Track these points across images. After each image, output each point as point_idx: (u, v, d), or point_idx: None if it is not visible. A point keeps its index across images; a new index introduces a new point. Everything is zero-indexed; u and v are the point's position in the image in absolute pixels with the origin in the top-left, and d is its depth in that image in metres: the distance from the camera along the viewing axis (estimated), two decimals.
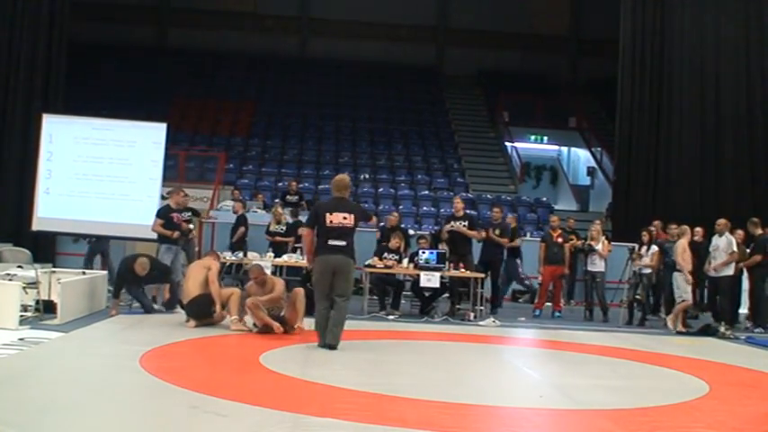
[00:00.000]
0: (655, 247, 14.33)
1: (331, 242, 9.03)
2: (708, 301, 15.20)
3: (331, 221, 9.06)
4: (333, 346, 8.88)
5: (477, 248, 15.38)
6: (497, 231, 15.11)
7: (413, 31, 31.28)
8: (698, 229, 14.53)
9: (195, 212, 14.88)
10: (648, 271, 14.23)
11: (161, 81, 27.65)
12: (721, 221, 13.84)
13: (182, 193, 13.61)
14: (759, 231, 14.14)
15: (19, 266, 11.30)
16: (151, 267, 11.73)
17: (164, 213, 12.92)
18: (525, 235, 18.96)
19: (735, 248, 13.61)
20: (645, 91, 20.09)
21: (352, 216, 9.20)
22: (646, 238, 14.40)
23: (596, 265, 14.67)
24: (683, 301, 13.13)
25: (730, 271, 13.76)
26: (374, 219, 15.29)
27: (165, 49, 30.63)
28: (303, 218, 16.46)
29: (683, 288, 13.09)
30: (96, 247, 14.54)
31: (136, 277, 11.68)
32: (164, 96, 26.34)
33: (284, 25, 31.20)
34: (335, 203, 9.28)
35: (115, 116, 16.54)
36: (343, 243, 9.08)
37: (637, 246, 14.42)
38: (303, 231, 9.86)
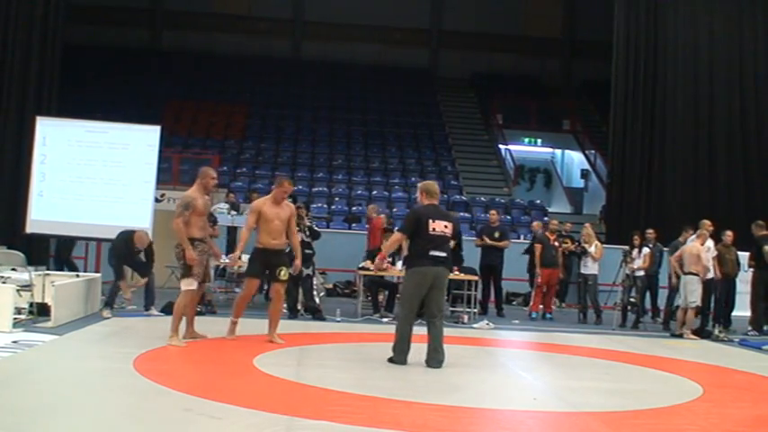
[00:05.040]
0: (646, 250, 14.40)
1: (433, 252, 8.38)
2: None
3: (434, 229, 8.42)
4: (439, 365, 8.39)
5: (476, 253, 15.44)
6: (496, 235, 15.16)
7: (407, 34, 31.28)
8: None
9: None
10: (642, 273, 14.28)
11: (155, 83, 27.64)
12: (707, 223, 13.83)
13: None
14: (763, 233, 14.12)
15: (13, 269, 11.29)
16: (148, 249, 12.07)
17: None
18: (519, 237, 19.01)
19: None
20: (638, 93, 20.15)
21: (451, 225, 8.70)
22: (637, 241, 14.45)
23: (589, 268, 14.69)
24: (695, 305, 13.04)
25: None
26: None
27: (158, 51, 30.59)
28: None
29: (696, 293, 12.94)
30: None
31: (131, 252, 11.88)
32: (157, 99, 26.33)
33: (278, 28, 31.16)
34: (436, 210, 8.66)
35: (109, 119, 16.56)
36: (445, 254, 8.50)
37: (629, 248, 14.49)
38: (398, 235, 9.10)
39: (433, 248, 8.38)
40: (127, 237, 11.91)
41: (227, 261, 12.93)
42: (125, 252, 11.87)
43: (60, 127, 15.01)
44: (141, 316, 11.72)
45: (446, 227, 8.52)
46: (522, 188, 27.35)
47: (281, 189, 9.78)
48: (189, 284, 9.20)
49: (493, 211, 16.31)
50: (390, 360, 8.41)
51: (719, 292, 14.16)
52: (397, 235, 9.10)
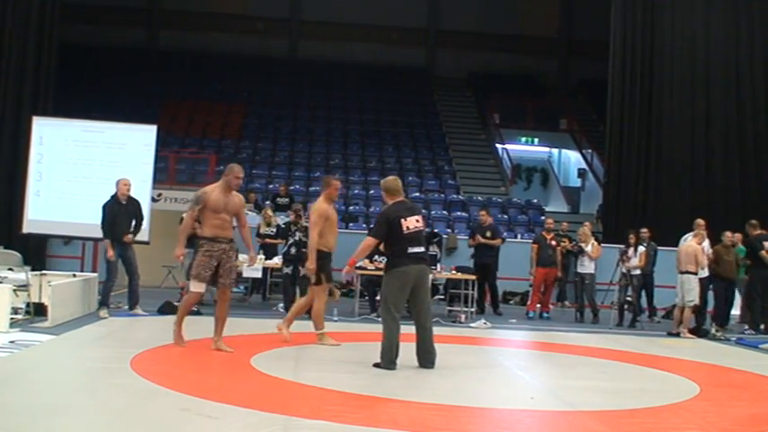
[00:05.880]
0: (642, 248, 14.43)
1: (411, 250, 8.16)
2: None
3: (407, 228, 8.19)
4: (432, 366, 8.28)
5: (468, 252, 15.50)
6: (488, 234, 15.21)
7: (404, 34, 31.27)
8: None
9: None
10: (638, 272, 14.30)
11: (151, 83, 27.59)
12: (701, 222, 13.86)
13: None
14: (758, 232, 14.14)
15: (9, 269, 11.27)
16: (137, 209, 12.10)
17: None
18: (516, 237, 19.03)
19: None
20: (635, 92, 20.19)
21: (422, 218, 8.53)
22: (633, 239, 14.46)
23: (585, 267, 14.71)
24: (693, 304, 13.05)
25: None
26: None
27: (155, 51, 30.57)
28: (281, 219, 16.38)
29: (694, 291, 12.96)
30: None
31: (121, 207, 11.88)
32: (154, 98, 26.32)
33: (275, 27, 31.15)
34: (404, 207, 8.43)
35: (105, 118, 16.54)
36: (423, 249, 8.34)
37: (625, 247, 14.51)
38: (369, 241, 8.49)
39: (410, 246, 8.19)
40: (114, 194, 11.98)
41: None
42: (116, 209, 11.85)
43: (57, 126, 14.99)
44: (135, 316, 11.70)
45: (417, 221, 8.34)
46: (520, 187, 27.34)
47: (333, 188, 9.64)
48: (193, 286, 8.79)
49: (483, 211, 16.35)
50: (377, 365, 8.12)
51: (719, 292, 14.18)
52: (368, 240, 8.52)
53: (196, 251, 8.76)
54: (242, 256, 14.52)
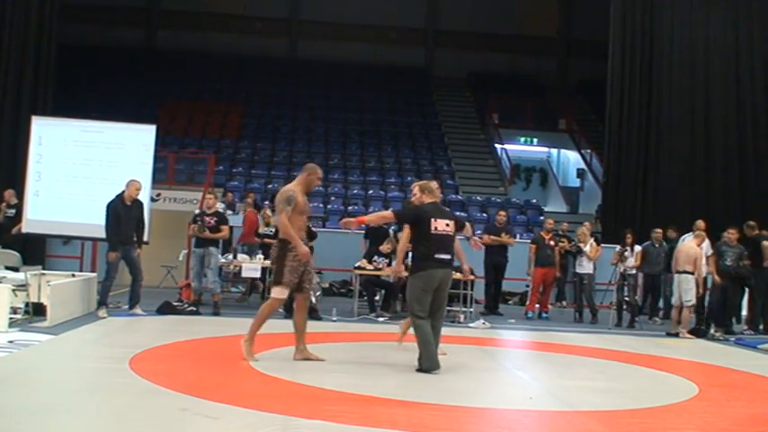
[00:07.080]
0: (638, 248, 14.45)
1: (438, 255, 8.09)
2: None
3: (436, 228, 8.13)
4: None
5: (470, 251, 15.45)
6: (503, 235, 15.23)
7: (403, 33, 31.32)
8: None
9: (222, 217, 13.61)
10: (634, 272, 14.30)
11: (150, 83, 27.63)
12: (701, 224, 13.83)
13: (210, 197, 13.54)
14: (756, 233, 14.15)
15: (8, 268, 11.28)
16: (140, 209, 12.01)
17: (193, 217, 13.47)
18: (515, 237, 18.99)
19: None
20: (634, 92, 20.21)
21: (453, 223, 8.42)
22: (629, 239, 14.46)
23: (584, 267, 14.72)
24: (691, 304, 13.05)
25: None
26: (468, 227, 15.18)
27: (154, 51, 30.59)
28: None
29: (691, 291, 12.96)
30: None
31: (125, 209, 11.76)
32: (153, 98, 26.33)
33: (274, 27, 31.18)
34: (437, 209, 8.41)
35: (104, 118, 16.54)
36: (449, 256, 8.23)
37: (621, 247, 14.51)
38: (388, 213, 8.63)
39: (437, 251, 8.11)
40: (120, 194, 11.88)
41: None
42: (120, 210, 11.75)
43: (56, 126, 14.99)
44: (135, 316, 11.69)
45: (447, 225, 8.27)
46: (519, 187, 27.38)
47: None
48: (279, 293, 8.19)
49: (502, 212, 16.33)
50: (420, 369, 7.99)
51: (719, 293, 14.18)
52: (388, 213, 8.79)
53: (283, 256, 8.09)
54: (241, 256, 14.61)
